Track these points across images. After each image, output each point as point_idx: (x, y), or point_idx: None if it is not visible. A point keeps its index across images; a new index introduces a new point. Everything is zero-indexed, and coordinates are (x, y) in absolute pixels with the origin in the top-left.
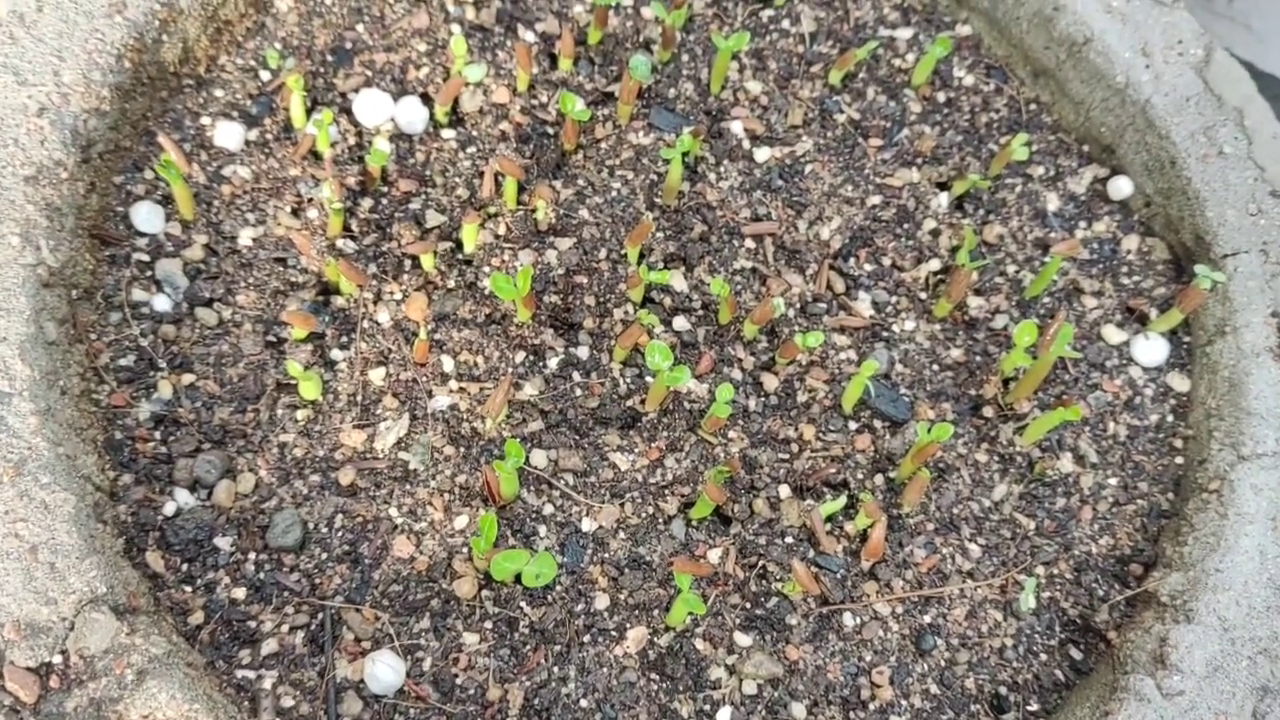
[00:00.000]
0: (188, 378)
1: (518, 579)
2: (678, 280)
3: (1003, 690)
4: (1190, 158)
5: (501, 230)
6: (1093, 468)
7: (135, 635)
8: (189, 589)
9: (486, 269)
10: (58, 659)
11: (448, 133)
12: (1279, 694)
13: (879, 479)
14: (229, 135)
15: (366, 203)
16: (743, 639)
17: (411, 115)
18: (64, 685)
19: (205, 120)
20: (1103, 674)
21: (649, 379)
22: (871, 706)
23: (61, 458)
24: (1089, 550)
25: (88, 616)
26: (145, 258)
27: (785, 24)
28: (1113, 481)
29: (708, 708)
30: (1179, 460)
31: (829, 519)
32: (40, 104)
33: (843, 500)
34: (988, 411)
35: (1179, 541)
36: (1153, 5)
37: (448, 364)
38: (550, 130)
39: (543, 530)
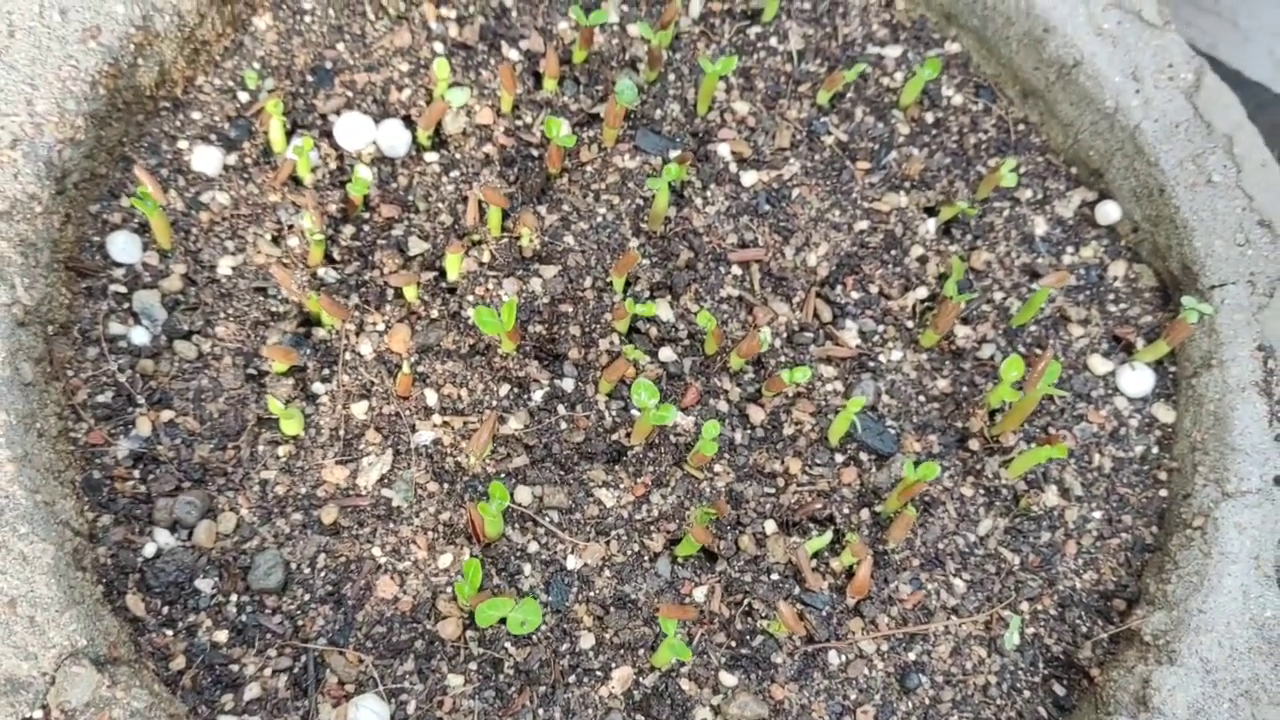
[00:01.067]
0: (167, 414)
1: (503, 619)
2: (664, 310)
3: None
4: (1179, 185)
5: (486, 258)
6: (1077, 501)
7: (116, 688)
8: (170, 633)
9: (470, 298)
10: (38, 714)
11: (431, 156)
12: None
13: (865, 513)
14: (207, 160)
15: (348, 229)
16: (728, 678)
17: (394, 138)
18: None
19: (183, 144)
20: (1085, 712)
21: (634, 412)
22: None
23: (39, 505)
24: (1073, 585)
25: (68, 670)
26: (122, 289)
27: (773, 41)
28: (1097, 515)
29: None
30: (1163, 493)
31: (815, 555)
32: (13, 135)
33: (828, 536)
34: (974, 444)
35: (1162, 578)
36: (1143, 28)
37: (431, 397)
38: (535, 153)
39: (527, 569)
